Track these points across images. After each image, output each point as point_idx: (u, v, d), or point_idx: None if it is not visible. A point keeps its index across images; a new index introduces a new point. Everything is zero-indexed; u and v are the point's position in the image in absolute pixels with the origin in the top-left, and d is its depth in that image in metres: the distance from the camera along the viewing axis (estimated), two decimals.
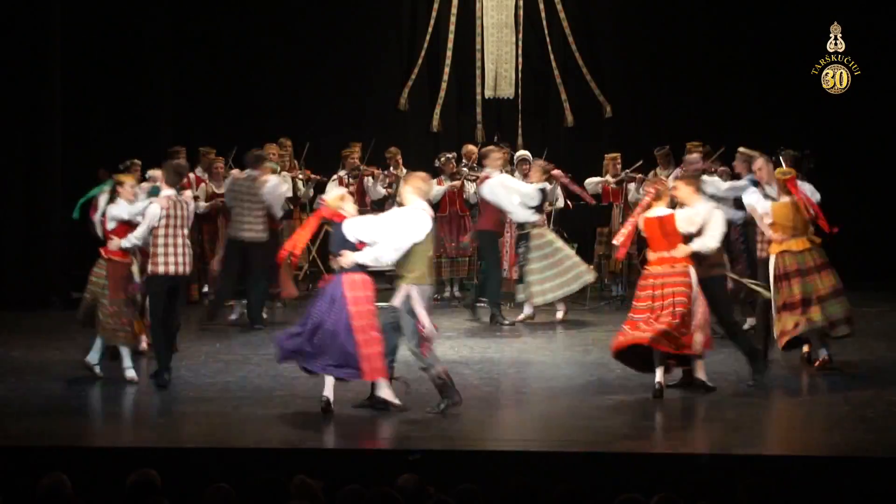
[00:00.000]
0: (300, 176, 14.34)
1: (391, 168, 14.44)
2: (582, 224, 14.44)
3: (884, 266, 15.04)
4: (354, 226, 8.59)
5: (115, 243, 9.65)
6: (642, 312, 8.96)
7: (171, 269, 9.54)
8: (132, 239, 9.59)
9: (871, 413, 8.45)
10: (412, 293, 8.43)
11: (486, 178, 12.45)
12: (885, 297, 12.54)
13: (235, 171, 12.61)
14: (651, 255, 9.16)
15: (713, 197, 10.08)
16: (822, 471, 7.12)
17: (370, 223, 8.68)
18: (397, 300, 8.49)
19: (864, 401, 8.79)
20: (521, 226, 12.45)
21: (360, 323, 8.41)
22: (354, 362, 8.37)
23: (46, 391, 9.30)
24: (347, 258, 8.52)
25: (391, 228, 8.55)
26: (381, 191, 14.24)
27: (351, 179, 13.90)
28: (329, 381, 8.49)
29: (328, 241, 14.45)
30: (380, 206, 14.87)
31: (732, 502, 5.63)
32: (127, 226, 9.67)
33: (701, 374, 9.08)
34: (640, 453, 7.62)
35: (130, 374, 9.63)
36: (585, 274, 12.32)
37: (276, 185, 12.37)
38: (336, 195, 8.91)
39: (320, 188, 14.28)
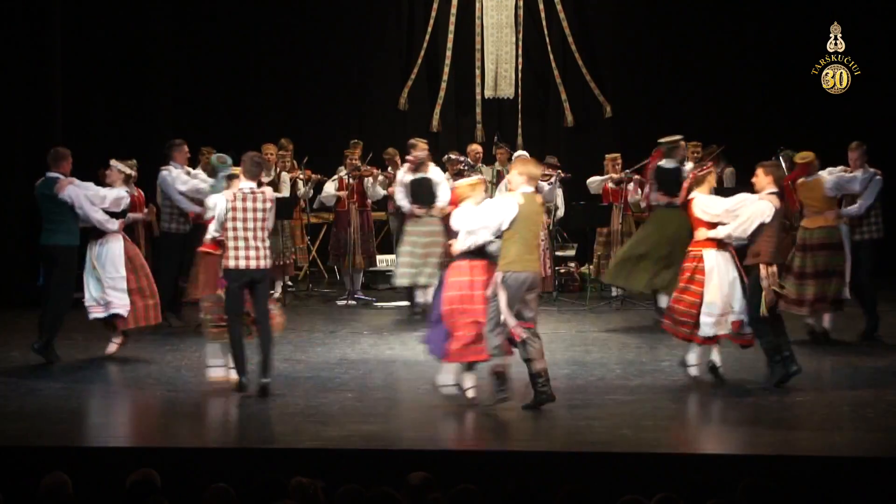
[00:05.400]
0: (301, 176, 14.33)
1: (390, 168, 14.42)
2: (582, 224, 14.44)
3: (884, 266, 15.02)
4: None
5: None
6: None
7: None
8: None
9: (871, 413, 8.45)
10: (498, 279, 8.44)
11: None
12: (886, 297, 12.50)
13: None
14: None
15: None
16: (823, 471, 7.12)
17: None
18: (489, 286, 8.55)
19: (864, 401, 8.79)
20: None
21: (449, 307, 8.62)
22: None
23: (46, 391, 9.29)
24: None
25: None
26: (381, 191, 14.22)
27: (351, 180, 13.88)
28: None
29: (327, 240, 14.62)
30: (380, 206, 14.90)
31: (732, 502, 5.62)
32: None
33: None
34: (640, 453, 7.61)
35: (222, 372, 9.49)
36: None
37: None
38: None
39: (320, 188, 14.30)
